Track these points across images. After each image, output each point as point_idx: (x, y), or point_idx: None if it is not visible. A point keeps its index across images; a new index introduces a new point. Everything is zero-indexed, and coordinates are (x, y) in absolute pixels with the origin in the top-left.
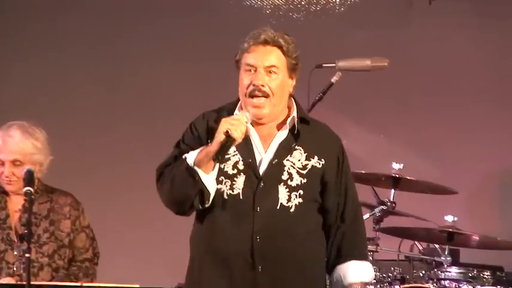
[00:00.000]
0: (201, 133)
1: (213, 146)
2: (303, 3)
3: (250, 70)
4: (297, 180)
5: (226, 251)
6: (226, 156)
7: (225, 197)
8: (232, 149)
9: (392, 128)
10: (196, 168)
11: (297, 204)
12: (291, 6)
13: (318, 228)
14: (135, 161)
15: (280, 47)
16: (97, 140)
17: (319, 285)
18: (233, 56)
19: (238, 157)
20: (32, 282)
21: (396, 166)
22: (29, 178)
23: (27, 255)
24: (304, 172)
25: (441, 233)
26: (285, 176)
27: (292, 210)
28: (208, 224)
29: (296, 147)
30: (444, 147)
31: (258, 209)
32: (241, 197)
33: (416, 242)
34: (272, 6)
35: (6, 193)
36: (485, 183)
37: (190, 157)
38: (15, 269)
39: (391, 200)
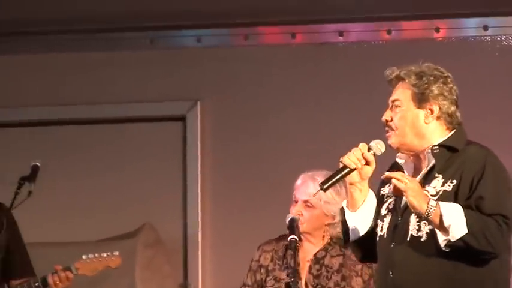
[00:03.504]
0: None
1: None
2: None
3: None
4: None
5: None
6: (386, 199)
7: (377, 238)
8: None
9: None
10: (344, 206)
11: (428, 232)
12: None
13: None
14: None
15: (403, 81)
16: None
17: None
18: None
19: (393, 198)
20: None
21: None
22: (291, 226)
23: None
24: (435, 198)
25: None
26: None
27: (423, 239)
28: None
29: (436, 175)
30: None
31: (392, 244)
32: (385, 236)
33: None
34: None
35: (299, 240)
36: None
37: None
38: None
39: None
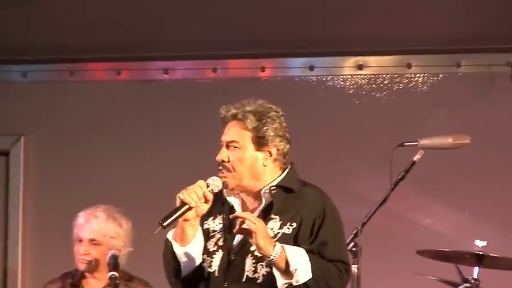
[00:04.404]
0: None
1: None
2: (385, 82)
3: (221, 145)
4: None
5: None
6: (212, 234)
7: (205, 275)
8: (219, 226)
9: (476, 205)
10: (172, 240)
11: (265, 274)
12: (373, 85)
13: None
14: None
15: (241, 121)
16: None
17: None
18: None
19: (221, 233)
20: None
21: (480, 243)
22: (113, 263)
23: None
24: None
25: None
26: (253, 247)
27: (259, 281)
28: None
29: (272, 216)
30: None
31: (225, 285)
32: (216, 274)
33: None
34: (355, 86)
35: (83, 277)
36: None
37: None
38: None
39: (475, 277)
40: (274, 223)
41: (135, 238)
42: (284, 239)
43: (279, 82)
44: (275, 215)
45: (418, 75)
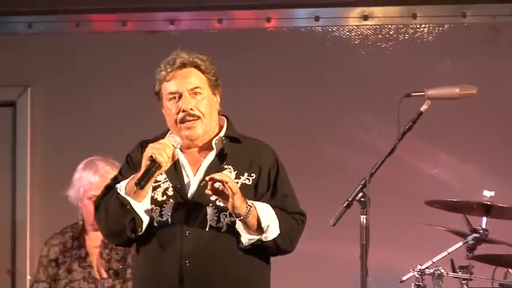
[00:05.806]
0: (136, 163)
1: (140, 173)
2: (391, 32)
3: (174, 97)
4: None
5: (157, 278)
6: (156, 184)
7: (155, 224)
8: (163, 176)
9: (483, 156)
10: (127, 197)
11: (229, 223)
12: (379, 36)
13: (256, 247)
14: None
15: (197, 67)
16: None
17: None
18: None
19: (168, 183)
20: None
21: (488, 194)
22: None
23: None
24: None
25: None
26: (213, 197)
27: (223, 230)
28: (142, 254)
29: (225, 166)
30: None
31: (186, 233)
32: (169, 223)
33: (510, 269)
34: (360, 36)
35: (84, 230)
36: None
37: (122, 187)
38: None
39: (484, 227)
40: (229, 173)
41: None
42: (245, 190)
43: (285, 33)
44: (228, 164)
45: (424, 25)
